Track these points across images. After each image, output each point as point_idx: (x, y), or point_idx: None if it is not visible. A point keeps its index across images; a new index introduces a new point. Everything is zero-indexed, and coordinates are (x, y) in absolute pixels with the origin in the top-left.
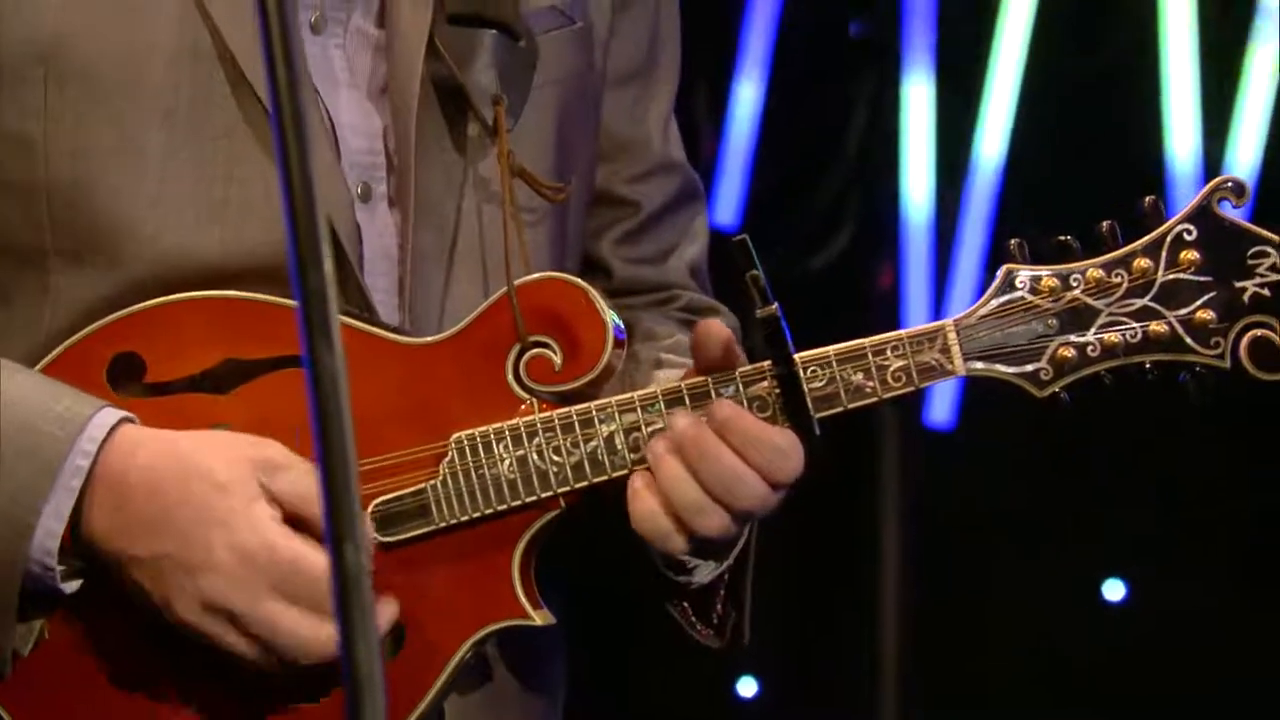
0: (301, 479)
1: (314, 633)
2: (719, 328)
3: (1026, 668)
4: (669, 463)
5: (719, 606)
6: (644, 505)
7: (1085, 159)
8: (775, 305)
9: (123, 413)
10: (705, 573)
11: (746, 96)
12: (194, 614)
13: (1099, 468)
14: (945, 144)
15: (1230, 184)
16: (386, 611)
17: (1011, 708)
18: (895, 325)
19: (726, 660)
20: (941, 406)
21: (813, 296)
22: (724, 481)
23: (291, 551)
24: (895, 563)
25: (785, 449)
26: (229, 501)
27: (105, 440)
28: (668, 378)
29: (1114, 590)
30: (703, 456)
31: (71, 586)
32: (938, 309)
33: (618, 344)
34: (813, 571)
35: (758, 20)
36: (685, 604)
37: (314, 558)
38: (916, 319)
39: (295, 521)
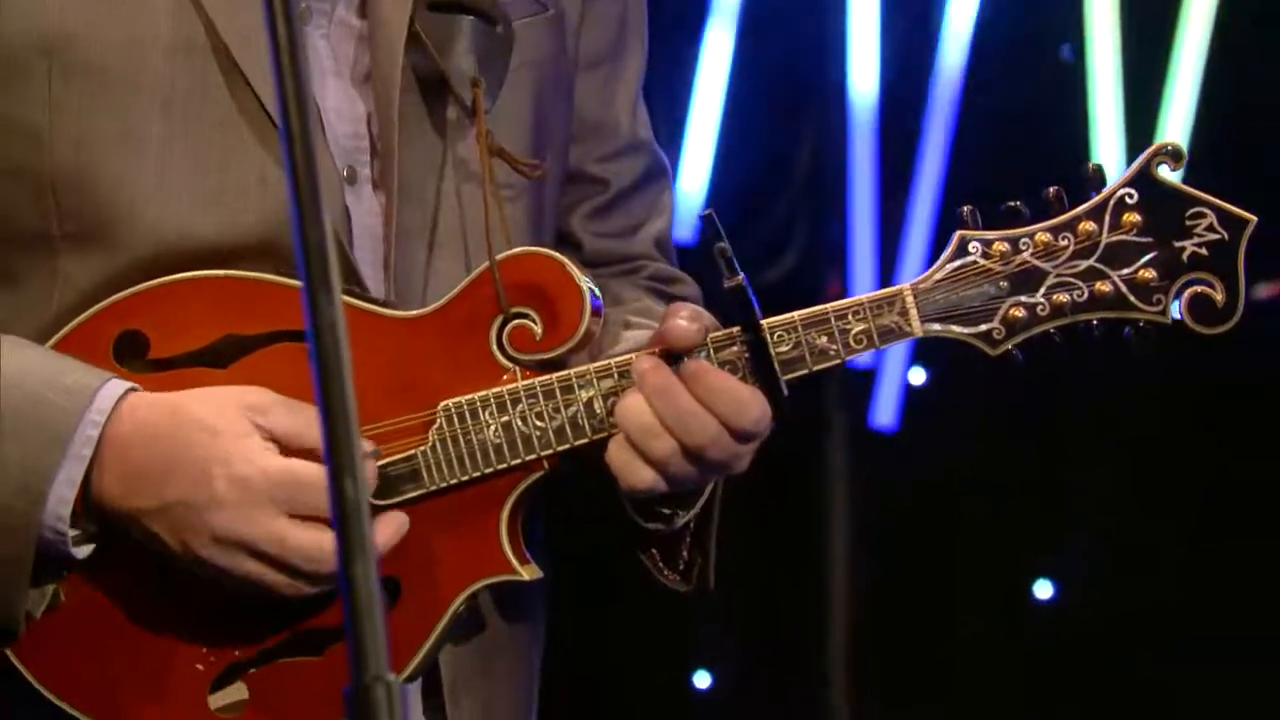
0: (289, 414)
1: (322, 540)
2: (687, 333)
3: (969, 654)
4: (627, 395)
5: (685, 553)
6: (614, 440)
7: (1019, 180)
8: (742, 276)
9: (128, 384)
10: (674, 522)
11: (704, 121)
12: (210, 550)
13: (1031, 469)
14: (889, 165)
15: (1168, 149)
16: (384, 531)
17: (957, 694)
18: None
19: (682, 655)
20: (885, 411)
21: (768, 304)
22: (677, 415)
23: (284, 469)
24: (843, 560)
25: (746, 399)
26: (222, 441)
27: (113, 410)
28: (635, 337)
29: (1044, 590)
30: (659, 392)
31: (83, 552)
32: None
33: (595, 313)
34: (765, 571)
35: (712, 54)
36: (654, 551)
37: (309, 469)
38: None
39: (292, 454)
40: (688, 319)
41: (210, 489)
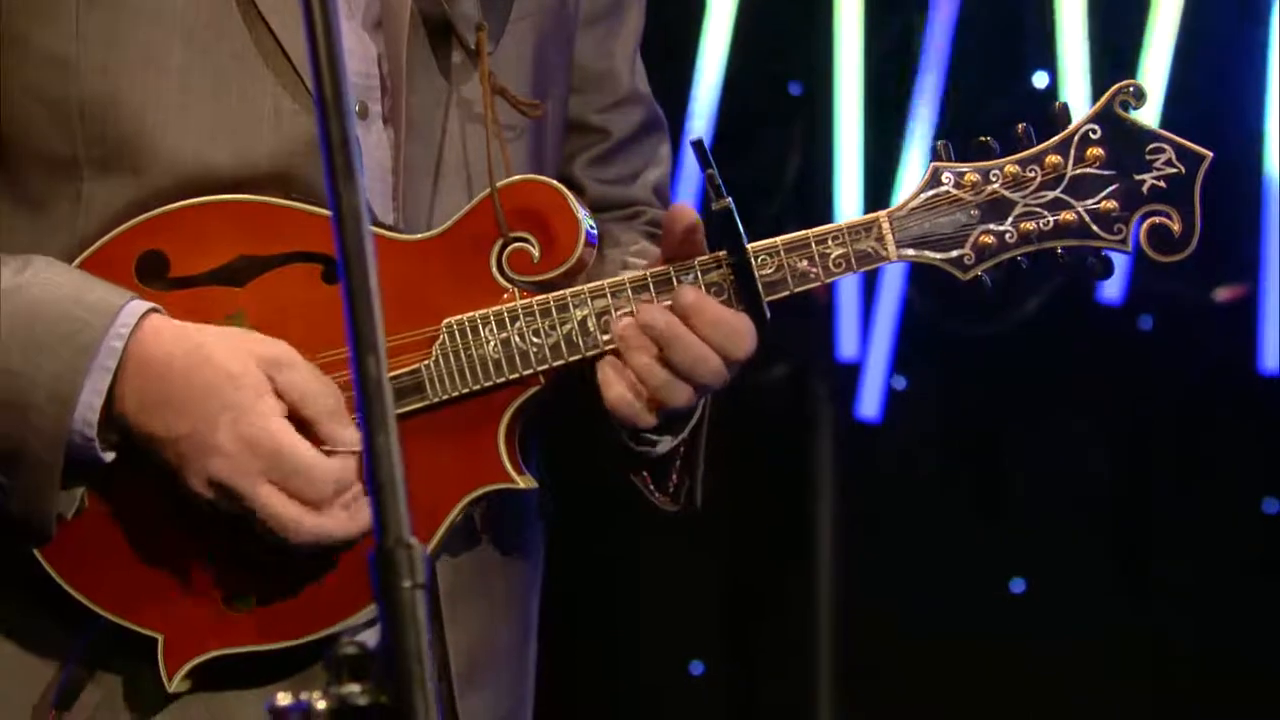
0: (304, 378)
1: (298, 519)
2: (687, 210)
3: (942, 644)
4: (640, 352)
5: (674, 476)
6: (616, 390)
7: None
8: (728, 199)
9: (150, 304)
10: (663, 445)
11: (696, 130)
12: (203, 488)
13: (1004, 456)
14: (871, 179)
15: (1131, 89)
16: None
17: (933, 683)
18: (831, 334)
19: (676, 644)
20: (870, 403)
21: None
22: (689, 362)
23: (290, 445)
24: (829, 541)
25: (743, 330)
26: (239, 392)
27: (135, 327)
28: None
29: (1016, 584)
30: (672, 342)
31: (110, 456)
32: (866, 318)
33: (590, 239)
34: (754, 560)
35: (705, 79)
36: (645, 474)
37: (308, 455)
38: (848, 329)
39: (296, 419)
40: (683, 215)
41: (215, 435)
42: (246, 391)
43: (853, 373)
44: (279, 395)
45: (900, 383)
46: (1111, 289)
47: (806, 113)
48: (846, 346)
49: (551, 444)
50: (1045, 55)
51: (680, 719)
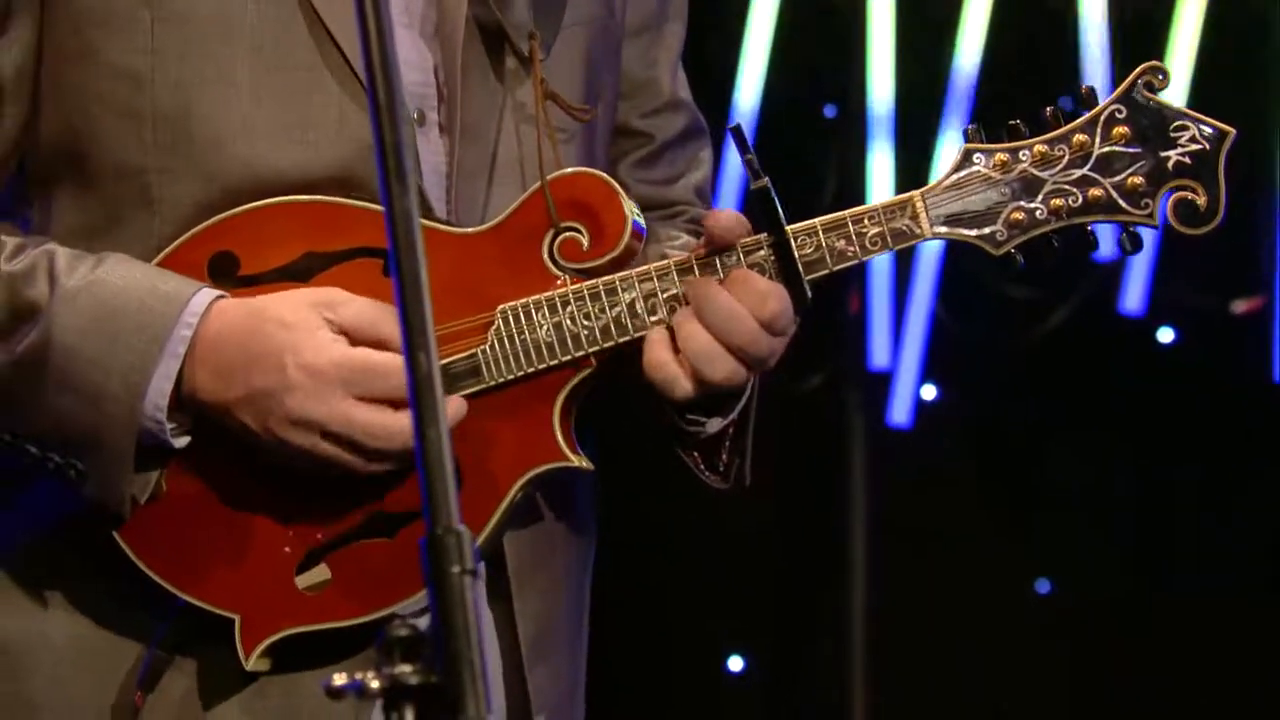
0: (361, 309)
1: (386, 419)
2: (729, 217)
3: (969, 642)
4: (685, 320)
5: (724, 456)
6: (656, 355)
7: None
8: (766, 179)
9: (218, 292)
10: (713, 426)
11: (735, 158)
12: (287, 431)
13: (1029, 461)
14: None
15: (1155, 69)
16: (454, 406)
17: (963, 677)
18: (863, 345)
19: (717, 641)
20: (901, 411)
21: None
22: (721, 318)
23: (349, 356)
24: (862, 540)
25: (767, 291)
26: (295, 333)
27: (204, 314)
28: None
29: (1041, 584)
30: (705, 301)
31: (181, 442)
32: (897, 329)
33: (636, 227)
34: (792, 560)
35: (743, 101)
36: (696, 453)
37: (375, 356)
38: (879, 340)
39: (356, 345)
40: (728, 215)
41: (284, 376)
42: (299, 330)
43: (884, 382)
44: (340, 330)
45: (930, 392)
46: (1133, 301)
47: (841, 135)
48: (878, 356)
49: (606, 438)
50: (1072, 80)
51: (718, 718)
